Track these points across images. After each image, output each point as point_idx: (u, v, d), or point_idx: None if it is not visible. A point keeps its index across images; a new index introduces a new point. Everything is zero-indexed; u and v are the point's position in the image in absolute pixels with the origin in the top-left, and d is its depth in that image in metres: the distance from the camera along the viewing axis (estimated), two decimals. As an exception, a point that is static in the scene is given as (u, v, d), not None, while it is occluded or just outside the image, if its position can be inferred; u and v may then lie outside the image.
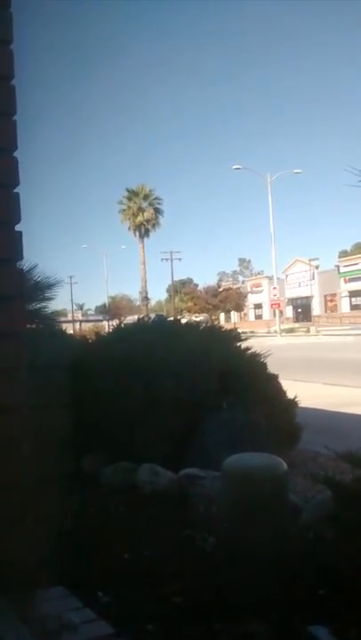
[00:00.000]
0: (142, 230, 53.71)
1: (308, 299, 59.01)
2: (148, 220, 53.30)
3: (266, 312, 59.69)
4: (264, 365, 4.65)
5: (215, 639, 1.85)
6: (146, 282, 55.44)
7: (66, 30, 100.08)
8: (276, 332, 39.10)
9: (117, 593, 2.13)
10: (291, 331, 43.42)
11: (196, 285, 66.18)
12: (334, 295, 57.49)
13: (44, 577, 1.79)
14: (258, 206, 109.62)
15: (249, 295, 63.37)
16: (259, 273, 73.53)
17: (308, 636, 1.76)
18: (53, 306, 4.24)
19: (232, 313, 60.30)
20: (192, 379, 3.93)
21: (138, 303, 61.33)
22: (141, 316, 8.37)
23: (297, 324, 51.05)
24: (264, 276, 64.38)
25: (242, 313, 63.91)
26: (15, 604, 1.62)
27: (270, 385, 4.51)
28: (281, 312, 46.07)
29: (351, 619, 1.88)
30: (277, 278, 45.97)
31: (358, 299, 54.12)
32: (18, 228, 1.87)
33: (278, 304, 43.24)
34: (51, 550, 2.01)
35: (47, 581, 1.81)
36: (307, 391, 6.38)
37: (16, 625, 1.50)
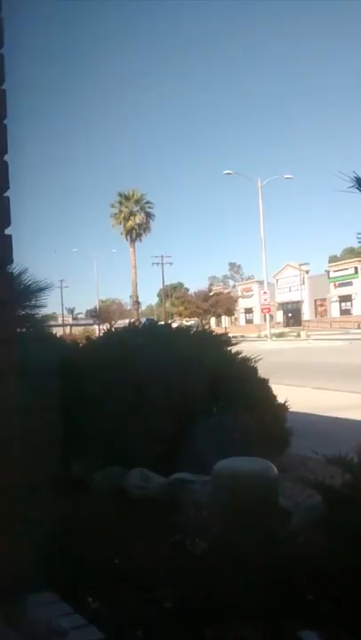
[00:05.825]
0: (133, 234, 53.66)
1: (299, 303, 59.21)
2: (139, 225, 53.25)
3: (257, 316, 59.82)
4: (255, 370, 4.66)
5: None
6: (137, 286, 55.45)
7: (58, 33, 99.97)
8: (266, 336, 39.21)
9: (107, 598, 2.12)
10: (281, 335, 43.53)
11: (187, 290, 66.35)
12: (324, 300, 57.73)
13: (33, 582, 1.78)
14: (249, 211, 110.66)
15: (240, 299, 63.46)
16: (249, 277, 73.84)
17: (297, 640, 1.76)
18: (44, 310, 4.23)
19: (223, 317, 60.36)
20: (183, 383, 3.93)
21: (128, 307, 61.25)
22: (132, 320, 8.37)
23: (287, 329, 51.20)
24: (255, 280, 64.55)
25: (233, 317, 64.00)
26: (4, 610, 1.60)
27: (261, 389, 4.52)
28: (271, 316, 46.23)
29: (340, 624, 1.89)
30: (268, 283, 46.13)
31: (348, 303, 54.37)
32: (8, 231, 1.87)
33: (269, 308, 43.40)
34: (40, 555, 2.00)
35: (37, 587, 1.79)
36: (297, 395, 6.40)
37: (5, 631, 1.49)
